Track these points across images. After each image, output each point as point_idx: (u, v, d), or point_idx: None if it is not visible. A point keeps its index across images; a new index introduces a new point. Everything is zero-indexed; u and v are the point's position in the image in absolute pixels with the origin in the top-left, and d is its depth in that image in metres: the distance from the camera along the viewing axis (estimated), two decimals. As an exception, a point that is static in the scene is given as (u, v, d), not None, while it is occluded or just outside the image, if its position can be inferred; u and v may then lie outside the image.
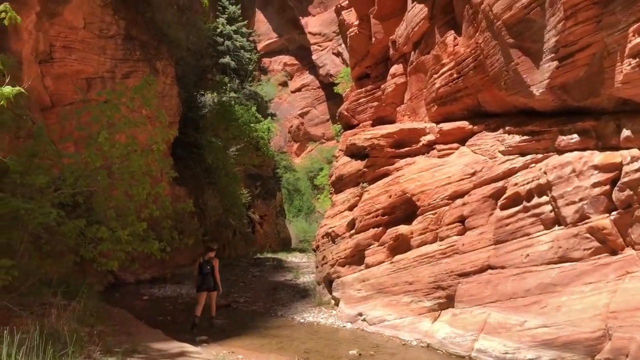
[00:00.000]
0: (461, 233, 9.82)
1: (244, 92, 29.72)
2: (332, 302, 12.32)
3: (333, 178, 13.78)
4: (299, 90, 55.15)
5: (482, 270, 9.07)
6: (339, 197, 13.03)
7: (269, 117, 30.53)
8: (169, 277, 20.03)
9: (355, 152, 12.77)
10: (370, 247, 11.37)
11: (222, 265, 22.63)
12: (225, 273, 19.37)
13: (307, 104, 54.48)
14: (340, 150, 16.86)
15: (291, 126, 54.29)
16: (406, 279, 10.29)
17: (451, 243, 9.83)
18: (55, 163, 10.47)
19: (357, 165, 12.46)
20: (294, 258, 28.38)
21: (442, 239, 10.11)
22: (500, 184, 9.33)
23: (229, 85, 28.13)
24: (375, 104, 15.31)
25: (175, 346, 8.38)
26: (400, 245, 10.86)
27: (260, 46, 44.17)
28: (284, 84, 55.61)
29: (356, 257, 11.71)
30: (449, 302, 9.52)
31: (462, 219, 9.87)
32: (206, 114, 25.90)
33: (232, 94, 27.09)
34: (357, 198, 12.22)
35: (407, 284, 10.24)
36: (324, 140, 54.26)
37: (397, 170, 11.76)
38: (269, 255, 28.49)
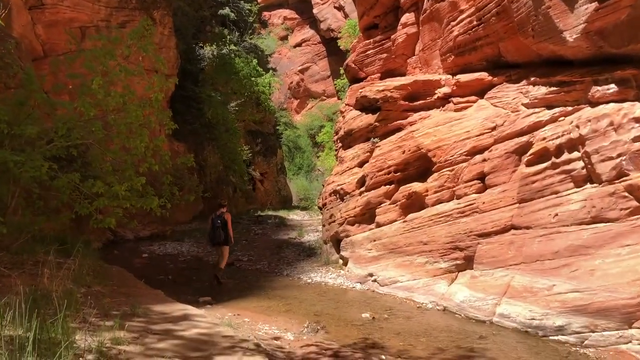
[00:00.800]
0: (480, 191, 9.18)
1: (243, 45, 28.61)
2: (340, 261, 11.78)
3: (341, 133, 13.04)
4: (299, 45, 53.73)
5: (504, 230, 8.45)
6: (348, 153, 12.33)
7: (270, 72, 29.50)
8: (168, 235, 19.52)
9: (365, 105, 11.99)
10: (382, 205, 10.74)
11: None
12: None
13: (307, 60, 53.14)
14: (347, 104, 16.06)
15: (291, 82, 53.09)
16: (420, 239, 9.70)
17: (470, 201, 9.19)
18: (47, 113, 9.72)
19: (367, 119, 11.70)
20: (295, 216, 27.86)
21: (459, 197, 9.47)
22: (524, 138, 8.61)
23: (228, 37, 27.00)
24: (384, 55, 14.39)
25: (177, 308, 7.82)
26: (414, 204, 10.24)
27: (260, -1, 42.67)
28: (284, 38, 54.16)
29: (366, 216, 11.11)
30: (467, 263, 8.95)
31: (481, 176, 9.21)
32: (205, 68, 24.92)
33: (232, 47, 25.99)
34: (368, 154, 11.53)
35: (422, 244, 9.66)
36: (324, 97, 53.16)
37: (411, 125, 11.02)
38: (270, 212, 27.98)
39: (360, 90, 12.10)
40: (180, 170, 21.75)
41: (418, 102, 11.31)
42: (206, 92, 23.61)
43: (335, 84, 29.61)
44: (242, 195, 28.29)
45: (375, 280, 10.17)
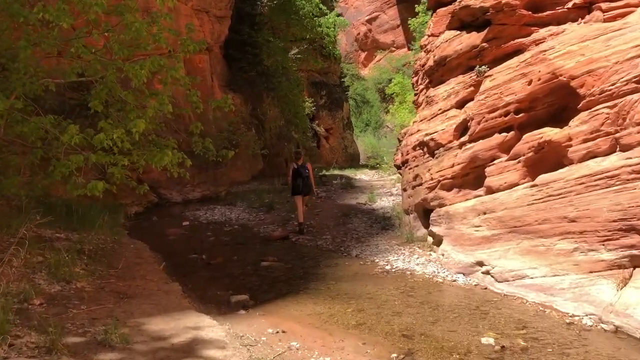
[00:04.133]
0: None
1: (306, -14, 24.85)
2: (430, 239, 8.38)
3: (429, 65, 9.38)
4: (366, -7, 49.24)
5: None
6: (440, 90, 8.72)
7: (335, 11, 25.69)
8: (223, 196, 16.71)
9: (467, 21, 8.28)
10: (495, 161, 7.18)
11: (283, 183, 19.10)
12: (286, 193, 15.77)
13: (375, 9, 48.60)
14: (430, 35, 12.32)
15: (358, 34, 48.91)
16: (563, 214, 6.11)
17: (652, 154, 5.52)
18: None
19: (470, 39, 8.01)
20: (363, 176, 24.49)
21: (628, 148, 5.78)
22: None
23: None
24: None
25: (185, 325, 4.74)
26: (547, 159, 6.64)
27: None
28: (350, -12, 49.79)
29: (470, 177, 7.58)
30: (653, 255, 5.35)
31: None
32: (263, 9, 21.52)
33: (293, -16, 22.33)
34: (472, 89, 7.89)
35: (566, 221, 6.07)
36: (393, 49, 48.68)
37: (538, 44, 7.27)
38: (336, 172, 24.75)
39: (459, 0, 8.36)
40: (234, 124, 18.77)
41: (545, 13, 7.52)
42: (264, 36, 20.25)
43: (409, 24, 25.40)
44: (305, 153, 25.07)
45: (488, 273, 6.72)
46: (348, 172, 24.99)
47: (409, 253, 8.19)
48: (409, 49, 46.69)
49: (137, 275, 6.73)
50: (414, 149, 9.04)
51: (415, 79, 13.99)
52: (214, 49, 19.47)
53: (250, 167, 20.60)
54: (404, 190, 9.50)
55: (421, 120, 9.04)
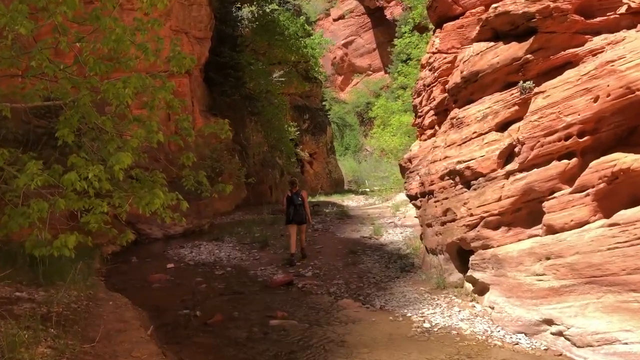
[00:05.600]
0: None
1: (287, 7, 23.73)
2: (467, 286, 7.00)
3: (455, 80, 8.07)
4: (342, 18, 48.71)
5: None
6: (470, 111, 7.44)
7: (320, 32, 24.55)
8: (206, 230, 15.11)
9: (503, 31, 7.05)
10: (556, 194, 5.88)
11: (271, 213, 17.54)
12: (278, 225, 14.25)
13: (351, 33, 48.07)
14: (436, 51, 11.16)
15: (334, 58, 48.18)
16: (661, 260, 4.83)
17: None
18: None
19: (510, 51, 6.77)
20: (351, 202, 23.19)
21: None
22: None
23: (269, -5, 22.16)
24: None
25: None
26: (620, 191, 5.37)
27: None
28: (326, 13, 49.19)
29: (523, 213, 6.25)
30: None
31: None
32: (244, 31, 20.23)
33: (274, 6, 21.13)
34: (516, 108, 6.61)
35: (667, 271, 4.79)
36: (370, 72, 48.07)
37: (595, 54, 6.09)
38: (322, 198, 23.38)
39: (494, 6, 7.13)
40: (218, 151, 17.24)
41: (596, 20, 6.35)
42: (246, 58, 18.92)
43: (396, 44, 24.42)
44: (292, 180, 23.68)
45: (561, 334, 5.35)
46: (335, 199, 23.66)
47: (447, 305, 6.77)
48: (385, 72, 46.03)
49: (121, 351, 5.15)
50: (441, 178, 7.69)
51: (417, 99, 12.78)
52: (194, 72, 18.00)
53: (234, 197, 19.02)
54: (428, 226, 8.12)
55: (448, 145, 7.71)
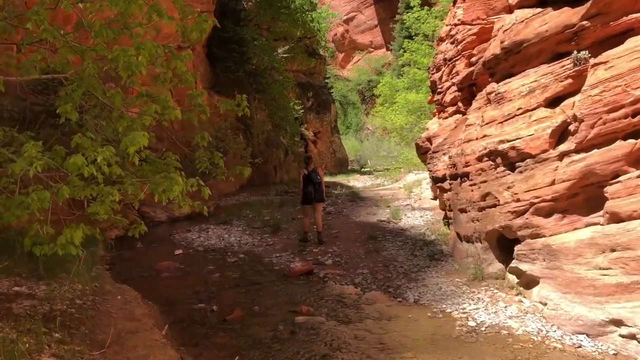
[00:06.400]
0: None
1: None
2: (510, 278, 6.34)
3: (494, 51, 7.24)
4: (342, -7, 47.42)
5: None
6: (512, 85, 6.70)
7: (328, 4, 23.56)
8: (212, 212, 14.40)
9: (553, -5, 6.31)
10: (621, 178, 5.20)
11: (277, 194, 16.85)
12: (287, 207, 13.58)
13: (352, 9, 46.90)
14: (460, 22, 10.38)
15: (335, 35, 47.05)
16: None
17: None
18: None
19: (561, 18, 6.02)
20: (356, 182, 22.53)
21: None
22: None
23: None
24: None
25: None
26: (701, 176, 4.70)
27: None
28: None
29: (580, 199, 5.56)
30: None
31: None
32: (248, 5, 19.28)
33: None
34: (569, 81, 5.89)
35: None
36: (372, 49, 47.02)
37: (663, 20, 5.36)
38: (327, 179, 22.70)
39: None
40: (222, 130, 16.47)
41: (660, -18, 5.62)
42: (250, 32, 18.02)
43: (405, 19, 23.40)
44: (294, 159, 22.98)
45: (634, 337, 4.72)
46: (340, 179, 23.00)
47: (490, 299, 6.13)
48: (387, 49, 44.94)
49: (135, 358, 4.51)
50: (479, 159, 6.98)
51: (436, 75, 12.03)
52: (197, 46, 17.11)
53: (239, 178, 18.31)
54: (462, 211, 7.44)
55: (487, 123, 6.98)
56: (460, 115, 10.48)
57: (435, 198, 12.48)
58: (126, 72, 4.09)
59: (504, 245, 6.52)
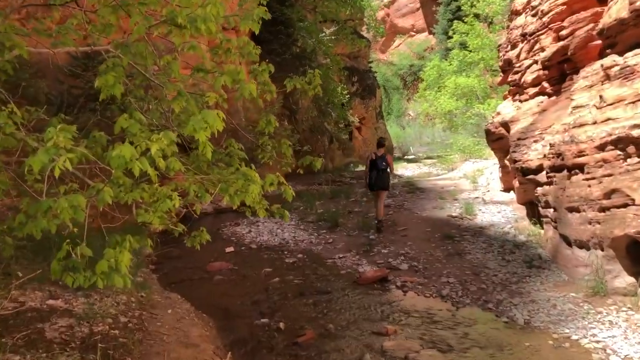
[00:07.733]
0: None
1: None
2: (648, 296, 5.08)
3: (620, 15, 5.87)
4: (384, -25, 45.78)
5: None
6: (631, 59, 5.34)
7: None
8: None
9: None
10: None
11: (328, 183, 15.73)
12: (340, 199, 12.45)
13: (394, -9, 45.17)
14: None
15: (375, 18, 45.35)
16: None
17: None
18: None
19: None
20: (405, 171, 21.25)
21: None
22: None
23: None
24: None
25: None
26: None
27: None
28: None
29: None
30: None
31: None
32: (293, -18, 18.06)
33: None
34: None
35: None
36: (413, 33, 45.25)
37: None
38: (374, 167, 21.48)
39: None
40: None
41: None
42: (296, 12, 16.84)
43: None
44: (338, 147, 21.80)
45: None
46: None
47: (626, 323, 4.86)
48: (430, 32, 43.08)
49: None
50: (599, 148, 5.66)
51: (512, 52, 10.62)
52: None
53: (282, 166, 17.29)
54: (572, 210, 6.12)
55: (610, 104, 5.64)
56: (545, 97, 9.11)
57: (507, 190, 11.12)
58: (189, 32, 2.98)
59: (637, 254, 5.22)
